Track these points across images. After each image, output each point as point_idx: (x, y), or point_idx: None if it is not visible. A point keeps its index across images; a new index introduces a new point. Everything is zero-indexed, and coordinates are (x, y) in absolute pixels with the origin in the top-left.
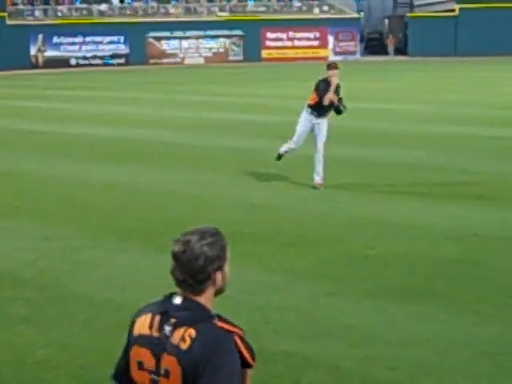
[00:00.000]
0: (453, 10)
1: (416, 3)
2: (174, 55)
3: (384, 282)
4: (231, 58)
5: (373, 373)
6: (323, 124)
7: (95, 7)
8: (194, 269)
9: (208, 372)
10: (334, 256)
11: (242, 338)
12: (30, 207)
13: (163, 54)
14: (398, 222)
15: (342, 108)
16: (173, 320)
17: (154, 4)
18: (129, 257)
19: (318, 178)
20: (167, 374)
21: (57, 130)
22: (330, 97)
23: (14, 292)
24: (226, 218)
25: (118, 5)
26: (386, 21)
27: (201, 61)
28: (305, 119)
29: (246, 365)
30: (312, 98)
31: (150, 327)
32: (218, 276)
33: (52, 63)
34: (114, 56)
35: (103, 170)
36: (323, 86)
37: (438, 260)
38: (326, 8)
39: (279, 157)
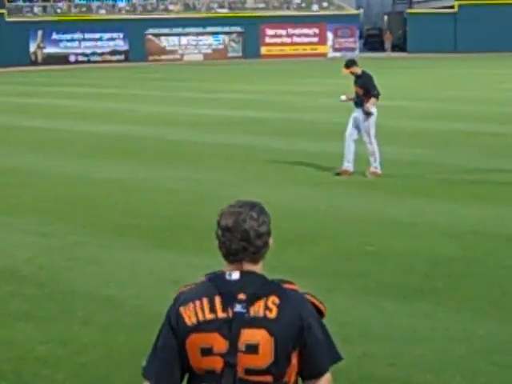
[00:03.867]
0: (452, 7)
1: None
2: (173, 52)
3: (382, 279)
4: (230, 54)
5: (370, 370)
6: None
7: (94, 4)
8: (253, 236)
9: (308, 332)
10: (332, 253)
11: (307, 293)
12: (29, 203)
13: (162, 51)
14: (396, 219)
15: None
16: (241, 296)
17: (153, 1)
18: (128, 253)
19: (347, 165)
20: (254, 349)
21: (55, 126)
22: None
23: (13, 288)
24: None
25: (119, 3)
26: (386, 17)
27: (200, 57)
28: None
29: (319, 314)
30: None
31: (212, 311)
32: (271, 241)
33: (51, 60)
34: (113, 53)
35: (102, 166)
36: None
37: (436, 257)
38: (325, 4)
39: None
